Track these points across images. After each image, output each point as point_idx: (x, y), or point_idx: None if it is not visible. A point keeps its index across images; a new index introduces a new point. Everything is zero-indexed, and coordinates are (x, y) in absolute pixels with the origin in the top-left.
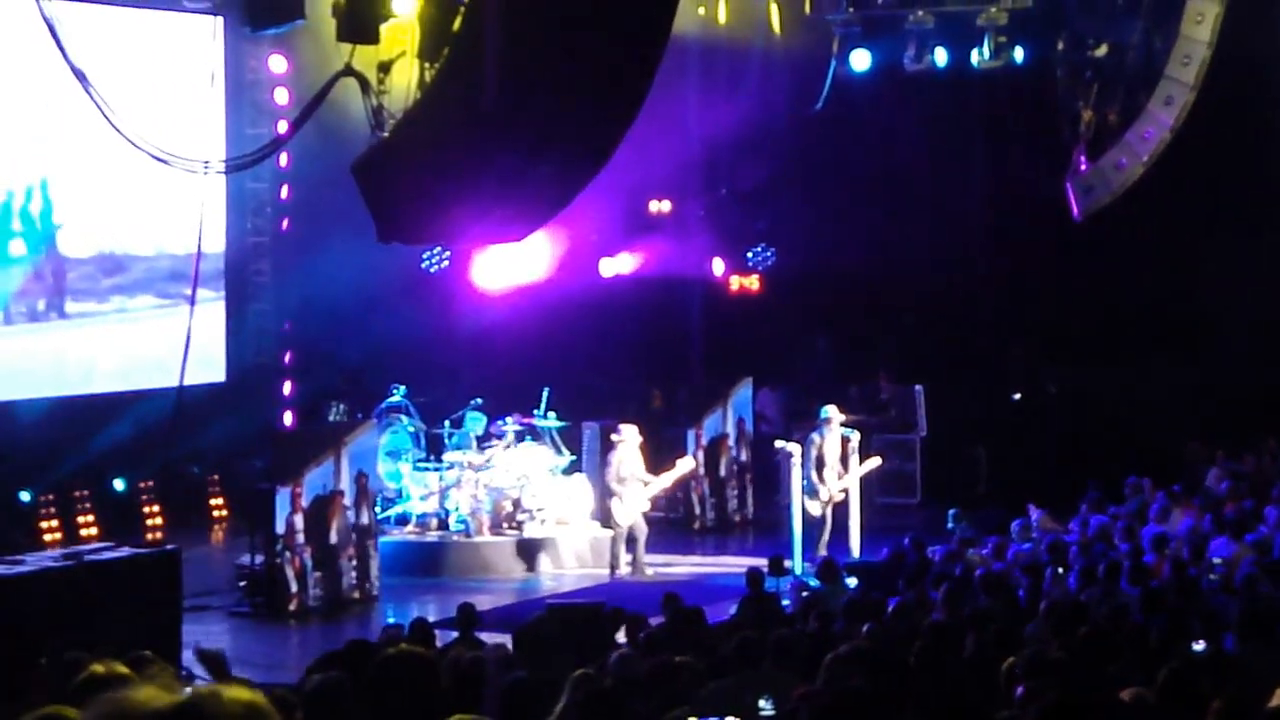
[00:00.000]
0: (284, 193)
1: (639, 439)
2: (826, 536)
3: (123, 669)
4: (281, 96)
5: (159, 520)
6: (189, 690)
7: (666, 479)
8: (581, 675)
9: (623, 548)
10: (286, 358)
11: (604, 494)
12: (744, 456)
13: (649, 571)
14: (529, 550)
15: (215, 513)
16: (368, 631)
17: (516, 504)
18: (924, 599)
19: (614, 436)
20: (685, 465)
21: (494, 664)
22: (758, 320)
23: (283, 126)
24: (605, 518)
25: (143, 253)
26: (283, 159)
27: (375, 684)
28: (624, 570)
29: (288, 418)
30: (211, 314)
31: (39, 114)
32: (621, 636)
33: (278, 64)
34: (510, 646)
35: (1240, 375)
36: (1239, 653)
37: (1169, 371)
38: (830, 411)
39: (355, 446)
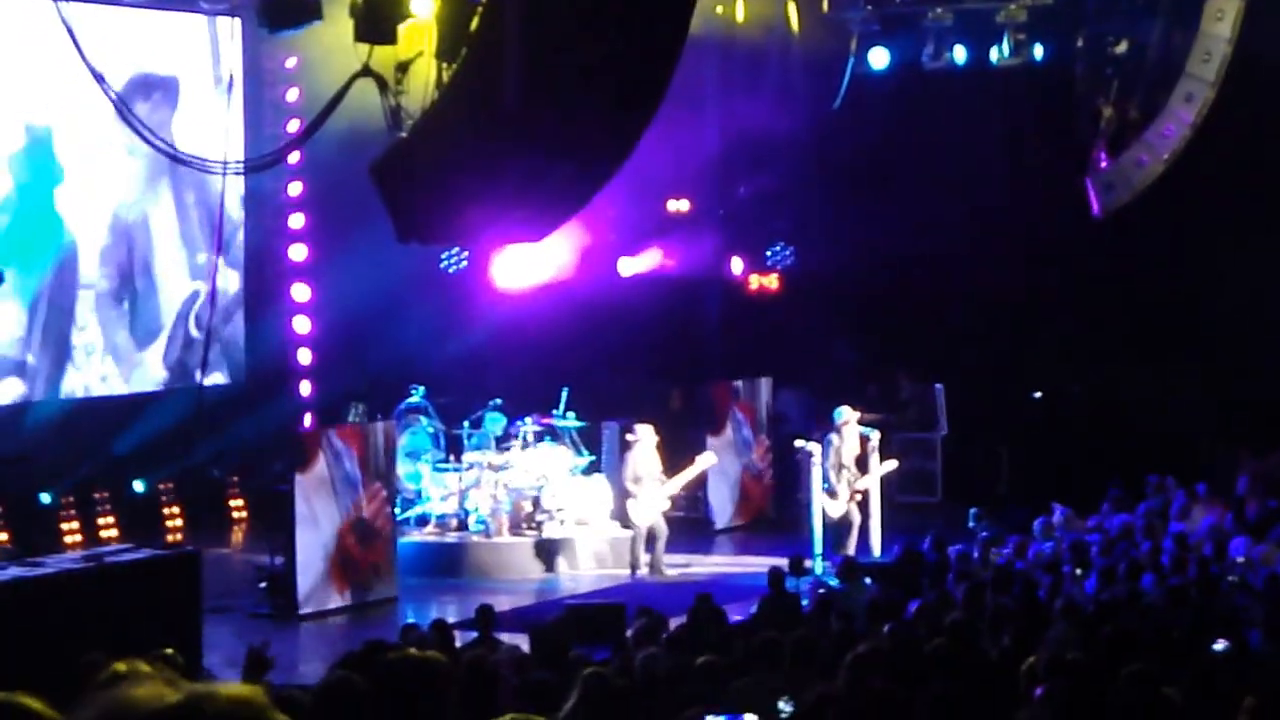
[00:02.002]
0: (301, 193)
1: (655, 438)
2: (855, 536)
3: (145, 666)
4: (298, 96)
5: (179, 522)
6: (188, 688)
7: (686, 475)
8: (590, 674)
9: (642, 548)
10: (305, 358)
11: (621, 494)
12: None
13: (668, 572)
14: (548, 551)
15: (235, 514)
16: (387, 632)
17: (536, 504)
18: (945, 598)
19: (629, 436)
20: (705, 461)
21: (509, 666)
22: (777, 319)
23: (299, 126)
24: (623, 518)
25: (161, 252)
26: (299, 159)
27: (381, 689)
28: (644, 571)
29: (307, 419)
30: (231, 315)
31: (59, 115)
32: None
33: (294, 64)
34: (527, 647)
35: (1264, 372)
36: (1266, 652)
37: (1192, 369)
38: (845, 413)
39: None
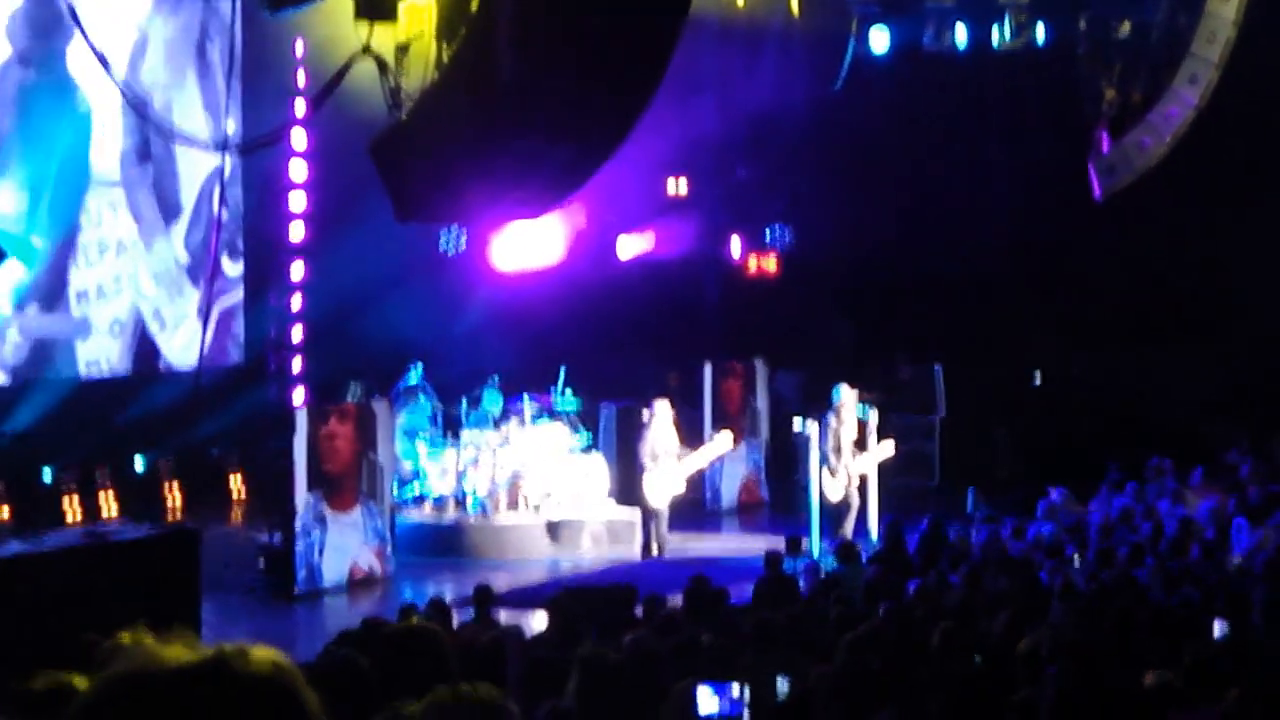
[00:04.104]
0: (301, 173)
1: (671, 414)
2: (853, 518)
3: (148, 640)
4: (300, 77)
5: (178, 500)
6: (216, 648)
7: (704, 455)
8: (590, 653)
9: (664, 526)
10: (297, 335)
11: (637, 472)
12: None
13: (664, 549)
14: (546, 530)
15: (234, 492)
16: (384, 610)
17: (533, 483)
18: (943, 581)
19: (645, 413)
20: (723, 441)
21: (511, 643)
22: (775, 301)
23: (301, 107)
24: (638, 496)
25: (162, 234)
26: (301, 139)
27: (384, 660)
28: (656, 550)
29: (300, 395)
30: (231, 294)
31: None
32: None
33: (296, 45)
34: (525, 626)
35: (1265, 356)
36: (1262, 636)
37: (1192, 352)
38: (844, 393)
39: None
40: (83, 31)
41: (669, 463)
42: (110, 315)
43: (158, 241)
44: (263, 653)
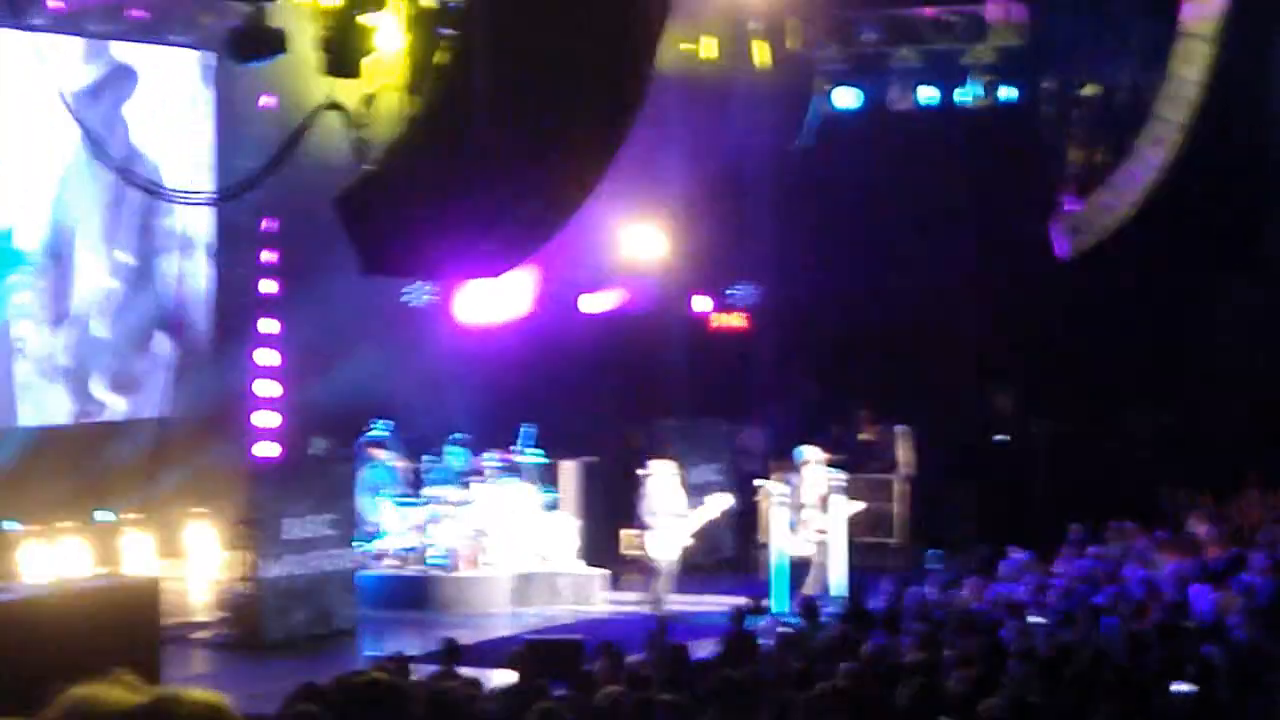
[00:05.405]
0: (269, 226)
1: (674, 473)
2: (815, 576)
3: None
4: (267, 129)
5: (142, 550)
6: (155, 691)
7: (704, 514)
8: (542, 709)
9: (661, 583)
10: (271, 390)
11: (641, 530)
12: None
13: (664, 606)
14: (509, 586)
15: (198, 544)
16: (347, 664)
17: (497, 540)
18: (910, 640)
19: (640, 472)
20: (721, 502)
21: (469, 698)
22: (740, 358)
23: (269, 159)
24: (644, 552)
25: (129, 283)
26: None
27: (345, 714)
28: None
29: (262, 449)
30: (196, 344)
31: (26, 149)
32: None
33: (263, 97)
34: (486, 681)
35: (1227, 417)
36: (1223, 699)
37: (1154, 414)
38: (807, 453)
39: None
40: (52, 80)
41: (667, 520)
42: (65, 408)
43: (115, 321)
44: (201, 695)
